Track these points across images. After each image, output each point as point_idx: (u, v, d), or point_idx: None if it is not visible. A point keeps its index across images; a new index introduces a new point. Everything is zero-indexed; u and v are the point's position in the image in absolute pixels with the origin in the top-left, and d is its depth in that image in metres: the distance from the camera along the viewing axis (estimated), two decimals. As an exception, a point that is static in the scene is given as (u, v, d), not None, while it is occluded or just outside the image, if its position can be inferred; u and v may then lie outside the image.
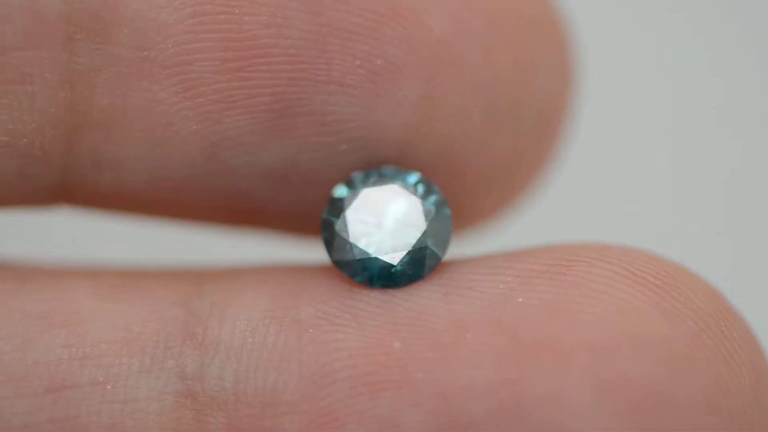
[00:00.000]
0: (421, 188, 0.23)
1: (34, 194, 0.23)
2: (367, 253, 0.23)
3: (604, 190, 0.47)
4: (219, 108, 0.22)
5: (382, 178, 0.23)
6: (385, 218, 0.23)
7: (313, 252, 0.25)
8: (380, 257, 0.23)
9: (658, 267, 0.22)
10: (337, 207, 0.23)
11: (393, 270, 0.23)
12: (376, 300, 0.22)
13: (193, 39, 0.22)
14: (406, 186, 0.23)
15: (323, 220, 0.23)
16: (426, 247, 0.23)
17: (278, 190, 0.23)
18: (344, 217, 0.23)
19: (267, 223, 0.25)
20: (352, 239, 0.23)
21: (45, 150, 0.23)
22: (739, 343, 0.22)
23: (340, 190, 0.23)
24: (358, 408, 0.21)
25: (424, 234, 0.23)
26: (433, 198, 0.23)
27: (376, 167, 0.23)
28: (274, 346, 0.22)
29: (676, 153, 0.49)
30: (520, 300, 0.22)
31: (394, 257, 0.23)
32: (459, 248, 0.24)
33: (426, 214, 0.23)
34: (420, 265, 0.23)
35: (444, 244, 0.23)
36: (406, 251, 0.23)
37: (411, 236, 0.23)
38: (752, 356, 0.22)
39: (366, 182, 0.23)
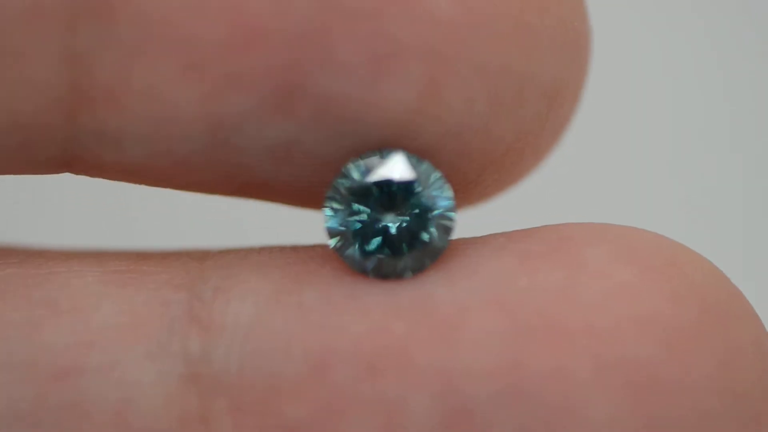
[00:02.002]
0: (424, 177, 0.23)
1: (35, 166, 0.23)
2: (370, 246, 0.23)
3: (607, 171, 0.48)
4: (221, 89, 0.22)
5: (384, 166, 0.23)
6: (387, 210, 0.23)
7: (316, 235, 0.25)
8: (384, 250, 0.23)
9: (661, 248, 0.22)
10: (339, 198, 0.23)
11: (396, 262, 0.23)
12: (378, 284, 0.23)
13: (196, 20, 0.22)
14: (408, 176, 0.23)
15: (325, 212, 0.23)
16: (430, 239, 0.23)
17: (281, 167, 0.23)
18: (346, 210, 0.23)
19: (270, 196, 0.25)
20: (353, 232, 0.23)
21: (46, 126, 0.22)
22: (742, 324, 0.22)
23: (341, 181, 0.23)
24: (362, 391, 0.21)
25: (429, 227, 0.23)
26: (436, 188, 0.23)
27: (379, 151, 0.23)
28: (277, 330, 0.22)
29: (680, 137, 0.49)
30: (522, 282, 0.22)
31: (397, 250, 0.23)
32: (460, 228, 0.24)
33: (429, 204, 0.23)
34: (423, 257, 0.23)
35: (447, 234, 0.23)
36: (409, 244, 0.23)
37: (414, 228, 0.23)
38: (756, 337, 0.22)
39: (368, 171, 0.23)
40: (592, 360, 0.21)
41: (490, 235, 0.23)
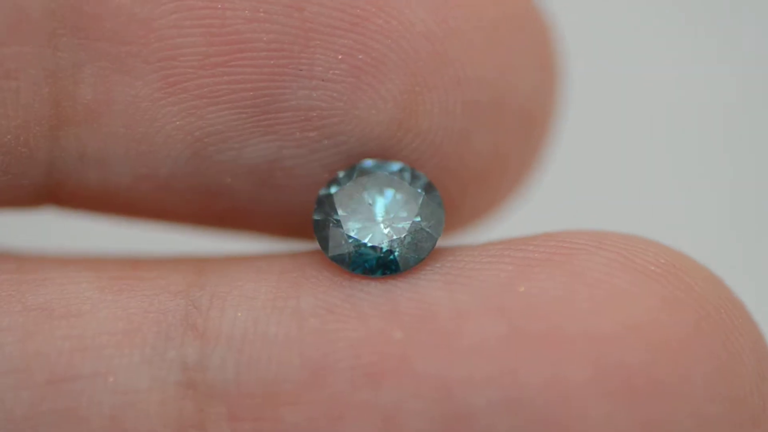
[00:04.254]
0: (406, 175, 0.23)
1: (19, 193, 0.23)
2: (364, 244, 0.23)
3: (604, 178, 0.48)
4: (202, 103, 0.22)
5: (366, 171, 0.23)
6: (376, 207, 0.23)
7: (309, 247, 0.25)
8: (377, 246, 0.23)
9: (658, 254, 0.22)
10: (327, 204, 0.23)
11: (391, 257, 0.23)
12: (377, 289, 0.22)
13: (176, 34, 0.22)
14: (391, 174, 0.23)
15: (315, 220, 0.23)
16: (421, 229, 0.23)
17: (263, 188, 0.23)
18: (336, 213, 0.23)
19: (253, 224, 0.25)
20: (346, 233, 0.23)
21: (30, 147, 0.23)
22: (740, 330, 0.22)
23: (327, 189, 0.23)
24: (359, 398, 0.21)
25: (417, 216, 0.23)
26: (420, 182, 0.23)
27: (359, 162, 0.23)
28: (275, 337, 0.22)
29: (678, 144, 0.49)
30: (521, 289, 0.22)
31: (390, 244, 0.23)
32: (457, 240, 0.24)
33: (416, 197, 0.23)
34: (417, 248, 0.23)
35: (438, 225, 0.23)
36: (402, 236, 0.23)
37: (404, 221, 0.23)
38: (754, 343, 0.22)
39: (351, 177, 0.23)
40: (590, 366, 0.21)
41: (489, 243, 0.23)
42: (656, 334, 0.21)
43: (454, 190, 0.24)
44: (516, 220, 0.30)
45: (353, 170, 0.23)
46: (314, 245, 0.23)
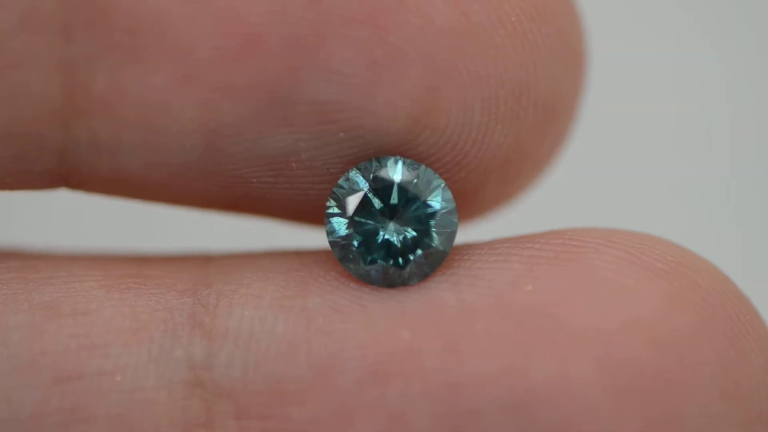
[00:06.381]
0: (424, 183, 0.23)
1: (31, 178, 0.23)
2: (374, 256, 0.23)
3: (613, 175, 0.48)
4: (217, 96, 0.22)
5: (383, 174, 0.23)
6: (389, 218, 0.23)
7: (320, 238, 0.25)
8: (387, 259, 0.23)
9: (665, 252, 0.22)
10: (340, 209, 0.23)
11: (401, 270, 0.23)
12: (384, 290, 0.22)
13: (191, 26, 0.22)
14: (408, 182, 0.23)
15: (327, 223, 0.23)
16: (433, 245, 0.23)
17: (278, 178, 0.23)
18: (348, 220, 0.23)
19: (268, 211, 0.24)
20: (357, 242, 0.23)
21: (42, 136, 0.22)
22: (747, 327, 0.22)
23: (342, 191, 0.23)
24: (367, 398, 0.21)
25: (430, 231, 0.23)
26: (437, 193, 0.23)
27: (377, 158, 0.23)
28: (282, 336, 0.22)
29: (686, 141, 0.49)
30: (529, 287, 0.22)
31: (401, 257, 0.23)
32: (465, 235, 0.24)
33: (430, 210, 0.23)
34: (427, 263, 0.23)
35: (450, 239, 0.23)
36: (413, 251, 0.23)
37: (416, 235, 0.23)
38: (761, 341, 0.22)
39: (367, 179, 0.23)
40: (597, 364, 0.21)
41: (496, 241, 0.23)
42: (663, 332, 0.21)
43: (471, 182, 0.24)
44: (523, 215, 0.30)
45: (369, 169, 0.23)
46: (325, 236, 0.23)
